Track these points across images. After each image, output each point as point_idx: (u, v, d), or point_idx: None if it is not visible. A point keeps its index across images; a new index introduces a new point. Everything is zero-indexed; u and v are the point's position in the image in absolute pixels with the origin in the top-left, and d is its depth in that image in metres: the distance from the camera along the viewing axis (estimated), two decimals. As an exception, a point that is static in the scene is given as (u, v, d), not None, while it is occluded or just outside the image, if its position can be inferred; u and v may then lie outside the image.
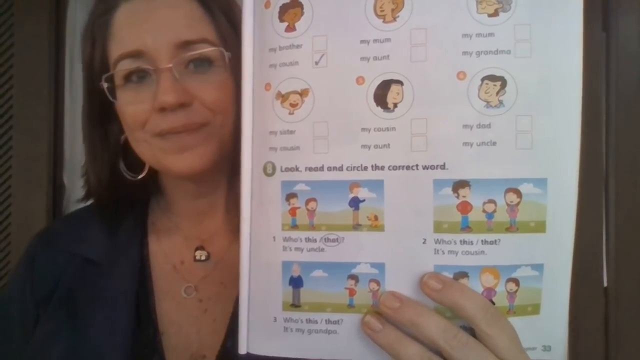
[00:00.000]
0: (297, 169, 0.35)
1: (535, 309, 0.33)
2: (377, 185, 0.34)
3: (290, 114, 0.35)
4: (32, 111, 1.11)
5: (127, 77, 0.49)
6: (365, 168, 0.34)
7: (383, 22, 0.34)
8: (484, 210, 0.32)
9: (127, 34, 0.48)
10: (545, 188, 0.32)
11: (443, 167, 0.33)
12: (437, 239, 0.33)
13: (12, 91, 1.12)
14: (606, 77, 0.98)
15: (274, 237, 0.35)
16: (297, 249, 0.35)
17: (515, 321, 0.32)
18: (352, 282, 0.34)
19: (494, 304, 0.33)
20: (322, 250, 0.35)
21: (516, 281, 0.33)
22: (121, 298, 0.51)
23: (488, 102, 0.32)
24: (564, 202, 0.33)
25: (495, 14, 0.32)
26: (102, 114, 0.54)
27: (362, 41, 0.34)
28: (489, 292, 0.33)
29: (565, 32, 0.32)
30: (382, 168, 0.34)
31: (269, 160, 0.36)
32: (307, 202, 0.35)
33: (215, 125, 0.48)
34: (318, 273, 0.35)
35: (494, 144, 0.32)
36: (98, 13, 0.51)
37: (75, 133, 1.12)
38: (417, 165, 0.33)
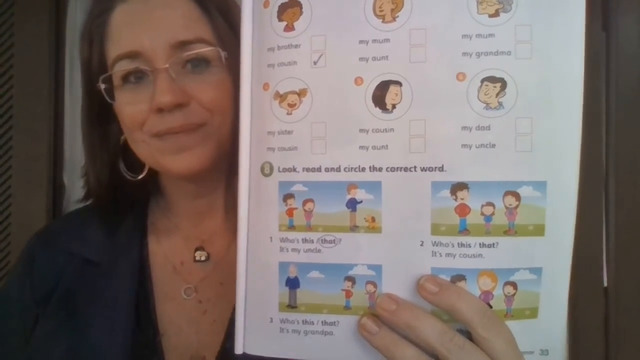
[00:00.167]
0: (294, 170, 0.35)
1: (533, 313, 0.33)
2: (374, 187, 0.33)
3: (288, 114, 0.35)
4: (32, 111, 1.10)
5: (125, 78, 0.49)
6: (363, 169, 0.34)
7: (382, 22, 0.33)
8: (482, 213, 0.32)
9: (124, 35, 0.48)
10: (545, 191, 0.32)
11: (441, 169, 0.32)
12: (435, 242, 0.33)
13: (12, 91, 1.11)
14: (606, 77, 0.97)
15: (271, 238, 0.35)
16: (294, 249, 0.35)
17: (512, 325, 0.32)
18: (349, 283, 0.34)
19: (491, 307, 0.32)
20: (319, 251, 0.34)
21: (514, 285, 0.33)
22: (121, 298, 0.51)
23: (488, 104, 0.32)
24: (564, 206, 0.32)
25: (495, 14, 0.32)
26: (101, 114, 0.54)
27: (360, 41, 0.33)
28: (487, 295, 0.33)
29: (567, 34, 0.32)
30: (380, 169, 0.33)
31: (266, 160, 0.35)
32: (305, 202, 0.35)
33: (213, 126, 0.48)
34: (315, 274, 0.35)
35: (493, 146, 0.32)
36: (95, 14, 0.51)
37: (75, 133, 1.11)
38: (415, 167, 0.33)
